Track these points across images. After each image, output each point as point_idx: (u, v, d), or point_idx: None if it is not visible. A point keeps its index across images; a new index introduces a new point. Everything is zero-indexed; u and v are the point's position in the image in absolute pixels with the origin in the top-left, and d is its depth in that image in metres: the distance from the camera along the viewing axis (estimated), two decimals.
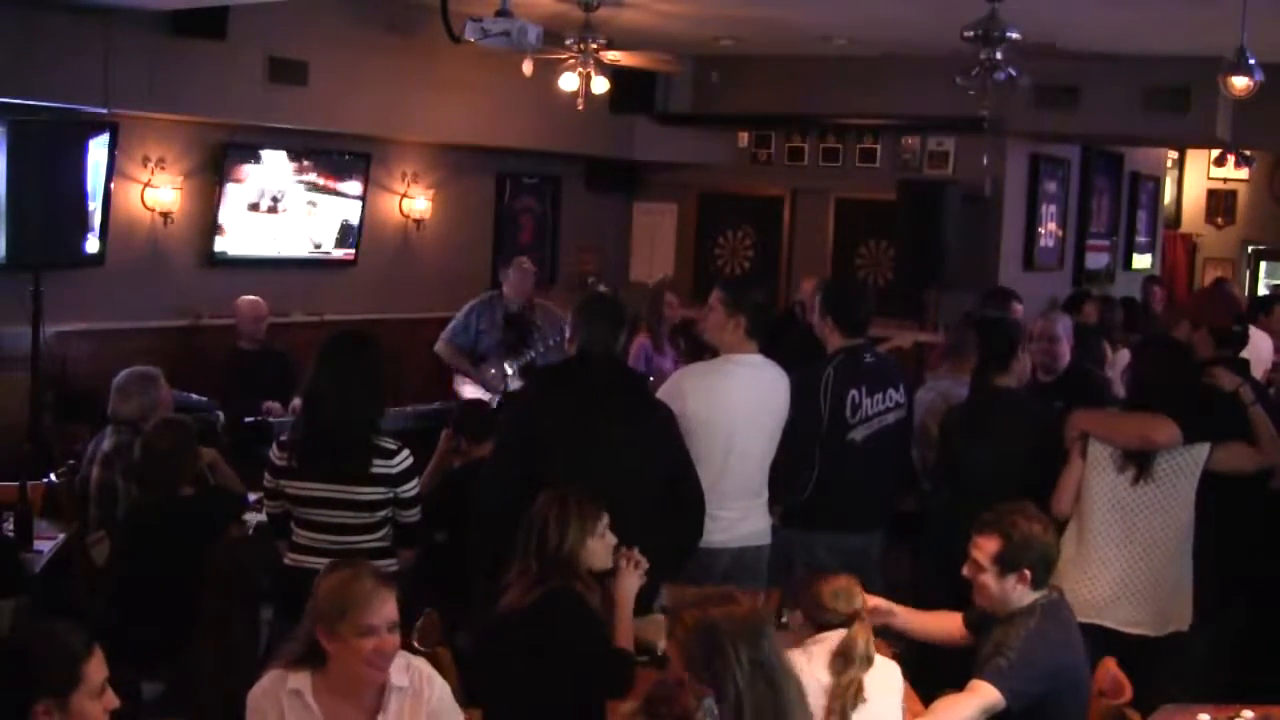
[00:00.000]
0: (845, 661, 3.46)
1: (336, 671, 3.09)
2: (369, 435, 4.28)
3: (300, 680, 3.10)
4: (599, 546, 3.78)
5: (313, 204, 8.67)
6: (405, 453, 4.32)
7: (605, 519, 3.80)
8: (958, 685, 3.65)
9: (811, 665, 3.46)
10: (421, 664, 3.26)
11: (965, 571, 3.80)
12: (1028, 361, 5.47)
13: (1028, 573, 3.71)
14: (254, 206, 8.35)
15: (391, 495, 4.31)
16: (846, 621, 3.57)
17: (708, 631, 2.90)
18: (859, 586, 3.67)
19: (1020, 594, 3.72)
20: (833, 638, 3.54)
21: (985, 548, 3.74)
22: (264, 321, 7.74)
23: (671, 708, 2.68)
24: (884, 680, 3.53)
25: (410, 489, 4.36)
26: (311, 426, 4.35)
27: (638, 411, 4.51)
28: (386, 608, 3.08)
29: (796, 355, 5.23)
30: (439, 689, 3.24)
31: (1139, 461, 4.54)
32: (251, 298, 7.77)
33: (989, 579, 3.73)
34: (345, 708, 3.11)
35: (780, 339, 5.43)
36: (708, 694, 2.70)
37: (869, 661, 3.48)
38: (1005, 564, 3.71)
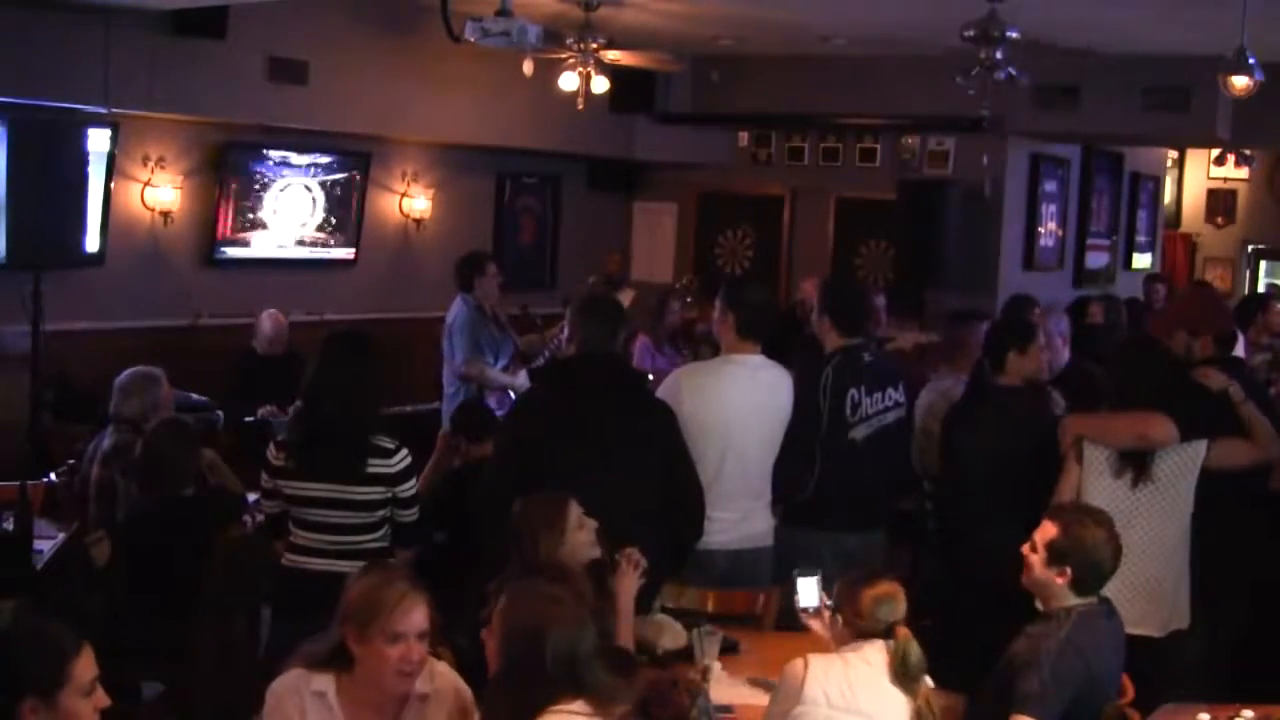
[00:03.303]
0: (908, 679, 3.39)
1: (362, 676, 3.06)
2: (367, 434, 4.27)
3: (324, 682, 3.08)
4: (581, 536, 3.78)
5: (312, 204, 8.67)
6: (404, 452, 4.32)
7: (575, 509, 3.79)
8: (966, 675, 3.67)
9: (847, 671, 3.41)
10: (444, 669, 3.23)
11: (1025, 548, 3.77)
12: (1041, 359, 5.44)
13: (1069, 571, 3.68)
14: (254, 206, 8.35)
15: (390, 495, 4.30)
16: (887, 632, 3.46)
17: (530, 624, 2.94)
18: (902, 593, 3.54)
19: (1057, 591, 3.70)
20: (868, 649, 3.45)
21: (1045, 531, 3.74)
22: (283, 336, 7.78)
23: (665, 707, 2.68)
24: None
25: (408, 488, 4.35)
26: (309, 426, 4.34)
27: (637, 410, 4.52)
28: (415, 615, 3.05)
29: (800, 356, 5.23)
30: (462, 693, 3.21)
31: (1136, 465, 4.54)
32: (273, 312, 7.80)
33: (1035, 561, 3.73)
34: (367, 712, 3.09)
35: (784, 340, 5.42)
36: (701, 691, 2.71)
37: (924, 670, 3.41)
38: (1053, 554, 3.70)
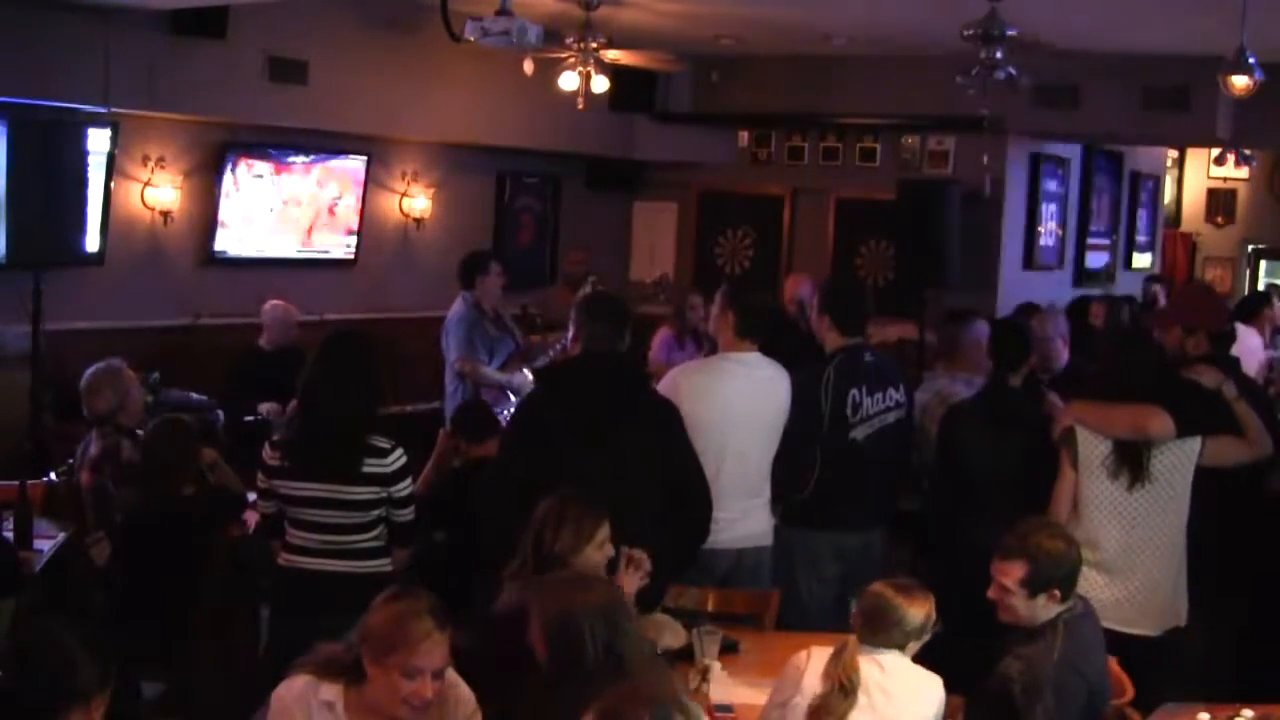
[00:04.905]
0: (826, 682, 3.36)
1: (372, 692, 3.06)
2: (362, 434, 4.26)
3: (333, 692, 3.07)
4: (596, 556, 3.76)
5: (312, 203, 8.67)
6: (399, 452, 4.30)
7: (605, 530, 3.77)
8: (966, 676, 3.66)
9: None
10: (448, 672, 3.19)
11: (991, 594, 3.73)
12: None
13: (1057, 592, 3.68)
14: (254, 205, 8.34)
15: (385, 495, 4.28)
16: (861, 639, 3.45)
17: (564, 615, 2.94)
18: (893, 604, 3.45)
19: (1049, 610, 3.70)
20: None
21: (1011, 573, 3.68)
22: (293, 327, 7.66)
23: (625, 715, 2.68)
24: (919, 693, 3.46)
25: (404, 488, 4.33)
26: (305, 426, 4.34)
27: (641, 410, 4.52)
28: (437, 652, 3.02)
29: (793, 356, 5.23)
30: (465, 700, 3.21)
31: (1132, 465, 4.53)
32: (276, 303, 7.72)
33: (1017, 601, 3.69)
34: None
35: (780, 339, 5.42)
36: (659, 699, 2.70)
37: (847, 691, 3.33)
38: (1034, 586, 3.67)
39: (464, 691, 3.23)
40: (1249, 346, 7.64)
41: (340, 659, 3.10)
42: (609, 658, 2.91)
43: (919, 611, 3.46)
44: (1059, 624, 3.67)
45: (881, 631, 3.44)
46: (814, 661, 3.42)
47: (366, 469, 4.24)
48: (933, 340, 7.44)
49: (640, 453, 4.38)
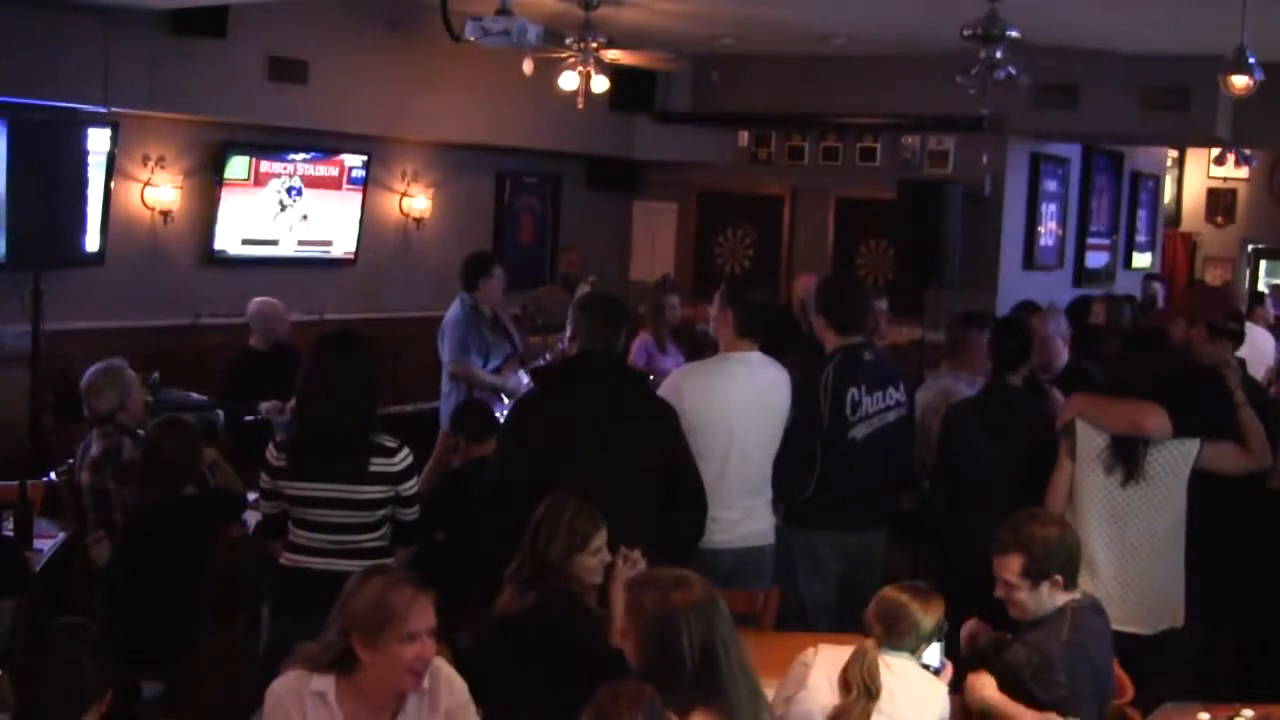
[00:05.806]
0: (845, 687, 3.38)
1: (365, 678, 3.08)
2: (366, 434, 4.27)
3: (324, 682, 3.10)
4: (591, 562, 3.75)
5: (312, 203, 8.67)
6: (405, 450, 4.31)
7: (601, 536, 3.77)
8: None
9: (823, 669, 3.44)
10: (440, 664, 3.24)
11: (997, 592, 3.74)
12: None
13: (1059, 578, 3.70)
14: (253, 205, 8.34)
15: (393, 493, 4.30)
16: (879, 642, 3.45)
17: (663, 614, 2.93)
18: (908, 609, 3.48)
19: (1054, 597, 3.71)
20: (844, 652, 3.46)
21: (1011, 566, 3.70)
22: (281, 323, 7.56)
23: (616, 713, 2.68)
24: (924, 695, 3.46)
25: (410, 487, 4.35)
26: (307, 427, 4.34)
27: (638, 410, 4.52)
28: (427, 614, 3.07)
29: (800, 355, 5.23)
30: (457, 689, 3.23)
31: (1126, 462, 4.53)
32: (260, 300, 7.62)
33: (1022, 594, 3.70)
34: (366, 711, 3.11)
35: (781, 339, 5.43)
36: (651, 698, 2.70)
37: (872, 694, 3.36)
38: (1034, 575, 3.68)
39: (458, 683, 3.25)
40: (1263, 349, 7.63)
41: (329, 655, 3.11)
42: (704, 657, 2.92)
43: (932, 617, 3.50)
44: (1066, 611, 3.69)
45: (896, 635, 3.46)
46: (821, 659, 3.43)
47: (374, 468, 4.25)
48: (935, 339, 7.44)
49: (635, 452, 4.37)
